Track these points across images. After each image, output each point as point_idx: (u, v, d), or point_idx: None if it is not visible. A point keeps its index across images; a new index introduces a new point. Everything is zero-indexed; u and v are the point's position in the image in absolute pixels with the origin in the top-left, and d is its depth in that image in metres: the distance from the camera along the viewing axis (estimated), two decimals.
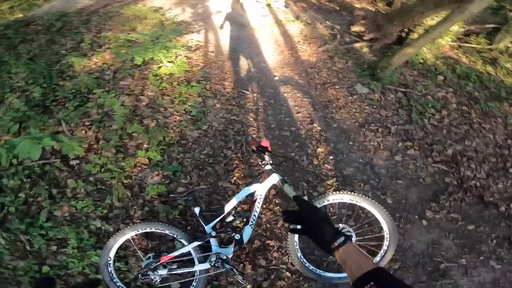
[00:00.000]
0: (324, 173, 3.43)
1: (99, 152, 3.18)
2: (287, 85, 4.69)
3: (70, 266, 2.39)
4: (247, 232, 2.34)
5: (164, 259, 2.32)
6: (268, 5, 6.60)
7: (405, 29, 5.56)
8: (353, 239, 2.48)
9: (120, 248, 2.42)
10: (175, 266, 2.39)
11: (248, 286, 2.50)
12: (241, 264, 2.64)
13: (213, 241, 2.37)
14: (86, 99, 3.74)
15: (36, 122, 3.27)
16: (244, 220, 2.37)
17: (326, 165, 3.52)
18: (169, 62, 4.51)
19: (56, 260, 2.42)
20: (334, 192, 2.43)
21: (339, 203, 2.53)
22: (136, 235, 2.40)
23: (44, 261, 2.41)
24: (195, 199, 2.44)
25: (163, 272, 2.32)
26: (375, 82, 4.66)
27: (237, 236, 2.33)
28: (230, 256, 2.34)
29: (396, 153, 3.78)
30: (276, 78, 4.89)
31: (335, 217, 2.96)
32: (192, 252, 2.38)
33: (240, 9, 6.62)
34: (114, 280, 2.34)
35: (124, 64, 4.46)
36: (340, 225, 2.51)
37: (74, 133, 3.34)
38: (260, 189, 2.34)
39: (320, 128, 3.99)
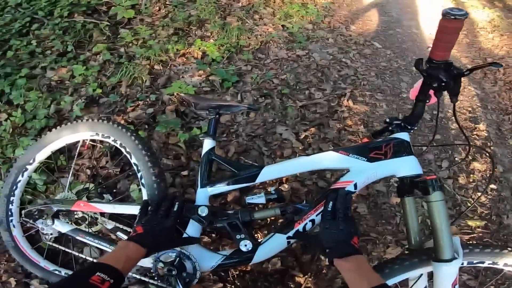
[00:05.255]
0: (470, 204, 1.50)
1: (156, 28, 2.03)
2: None
3: None
4: (274, 245, 0.83)
5: (80, 207, 0.96)
6: None
7: None
8: None
9: (57, 151, 1.19)
10: (90, 230, 1.04)
11: None
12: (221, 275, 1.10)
13: (193, 226, 0.86)
14: None
15: None
16: (284, 218, 0.88)
17: (478, 193, 1.56)
18: None
19: None
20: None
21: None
22: (88, 140, 1.11)
23: None
24: (217, 122, 0.96)
25: (62, 227, 0.98)
26: None
27: (246, 245, 0.82)
28: (205, 272, 0.89)
29: None
30: (430, 49, 2.87)
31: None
32: None
33: None
34: (12, 199, 1.07)
35: None
36: None
37: (148, 7, 2.26)
38: (360, 172, 0.78)
39: (487, 134, 1.94)
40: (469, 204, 1.46)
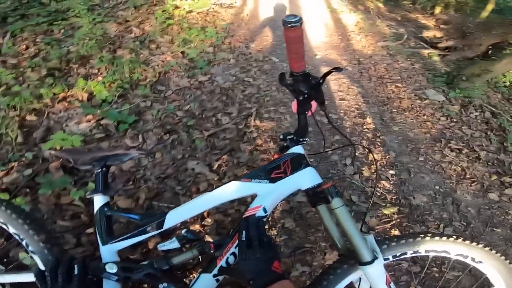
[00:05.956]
0: (379, 193, 1.72)
1: (23, 70, 1.68)
2: (330, 67, 3.06)
3: None
4: (204, 286, 0.76)
5: None
6: None
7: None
8: None
9: None
10: None
11: None
12: None
13: (108, 283, 0.75)
14: (60, 19, 2.30)
15: None
16: (206, 257, 0.77)
17: (382, 181, 1.82)
18: (189, 6, 3.04)
19: None
20: (432, 238, 0.78)
21: (434, 257, 0.84)
22: None
23: None
24: (105, 175, 0.84)
25: None
26: (455, 91, 2.97)
27: None
28: None
29: (490, 189, 2.00)
30: (318, 57, 3.30)
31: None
32: None
33: None
34: None
35: None
36: None
37: (9, 46, 1.86)
38: (266, 195, 0.75)
39: (374, 126, 2.31)
40: (378, 194, 1.65)
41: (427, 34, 4.16)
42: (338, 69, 0.73)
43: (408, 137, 2.30)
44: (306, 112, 0.78)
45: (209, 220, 1.33)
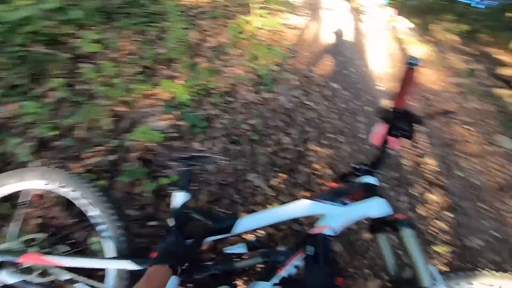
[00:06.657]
0: (432, 232, 1.65)
1: (121, 65, 1.93)
2: (391, 100, 2.98)
3: None
4: None
5: (29, 259, 0.86)
6: (390, 21, 5.00)
7: None
8: None
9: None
10: (42, 280, 0.91)
11: None
12: None
13: (172, 280, 0.80)
14: (154, 22, 2.60)
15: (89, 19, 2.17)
16: (266, 265, 0.83)
17: (438, 221, 1.75)
18: (260, 23, 3.21)
19: None
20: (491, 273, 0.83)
21: None
22: (41, 189, 0.98)
23: None
24: (189, 173, 0.93)
25: (8, 279, 0.85)
26: None
27: None
28: None
29: None
30: (380, 88, 3.22)
31: None
32: (110, 277, 0.89)
33: (354, 12, 5.14)
34: None
35: (215, 10, 3.30)
36: None
37: (113, 41, 2.16)
38: (335, 216, 0.79)
39: (436, 168, 2.18)
40: (431, 232, 1.62)
41: (504, 71, 3.87)
42: (449, 112, 0.77)
43: (473, 184, 2.17)
44: (387, 145, 0.82)
45: (261, 232, 1.37)
